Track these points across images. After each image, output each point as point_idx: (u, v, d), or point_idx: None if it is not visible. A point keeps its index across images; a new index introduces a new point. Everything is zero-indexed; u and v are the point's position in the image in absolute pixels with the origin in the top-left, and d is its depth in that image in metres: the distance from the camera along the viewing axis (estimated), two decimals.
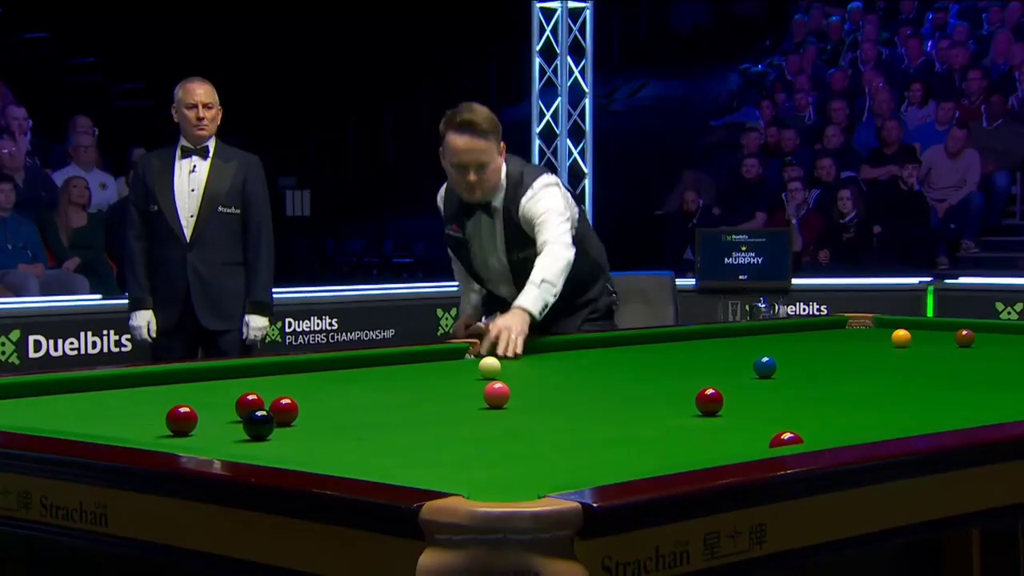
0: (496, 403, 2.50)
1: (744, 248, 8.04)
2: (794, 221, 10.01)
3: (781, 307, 7.69)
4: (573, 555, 1.43)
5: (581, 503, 1.45)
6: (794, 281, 8.15)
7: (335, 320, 7.48)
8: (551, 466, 1.94)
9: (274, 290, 5.05)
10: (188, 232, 4.81)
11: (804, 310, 8.14)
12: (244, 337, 4.86)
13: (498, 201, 3.71)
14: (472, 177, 3.62)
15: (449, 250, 3.94)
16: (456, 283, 4.09)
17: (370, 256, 14.29)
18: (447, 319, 7.85)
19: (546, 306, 3.38)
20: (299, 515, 1.58)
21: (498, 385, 2.53)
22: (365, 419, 2.48)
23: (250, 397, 2.33)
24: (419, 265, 13.50)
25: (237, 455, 1.87)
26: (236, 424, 2.23)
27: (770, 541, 1.63)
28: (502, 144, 3.68)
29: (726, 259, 8.04)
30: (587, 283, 3.89)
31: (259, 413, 2.15)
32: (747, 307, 7.34)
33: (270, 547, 1.60)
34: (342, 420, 2.47)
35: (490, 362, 3.02)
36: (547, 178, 3.72)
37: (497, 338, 3.29)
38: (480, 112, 3.61)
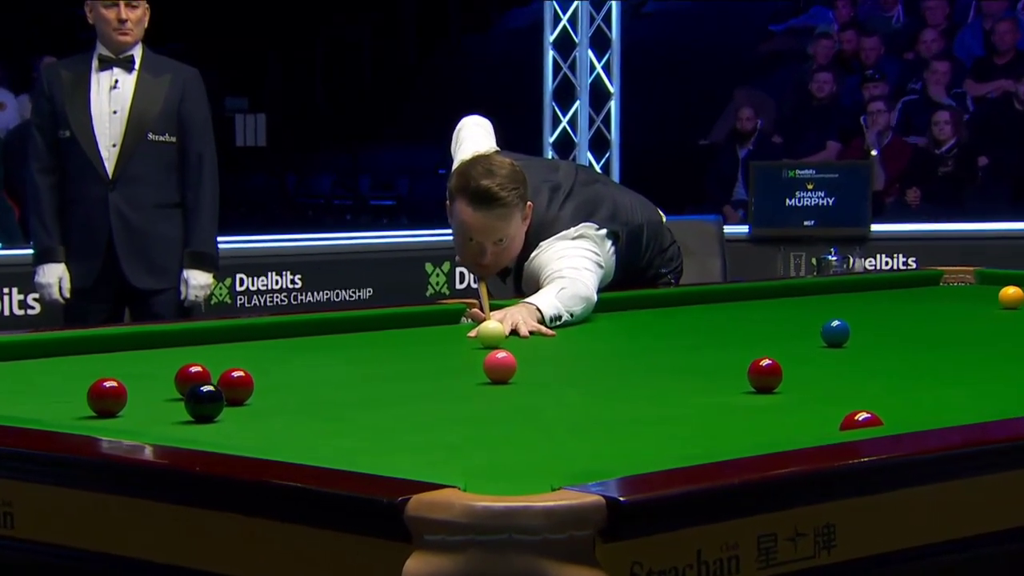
0: (499, 376, 2.52)
1: (811, 186, 8.02)
2: (875, 151, 9.99)
3: (857, 260, 7.69)
4: (594, 560, 1.44)
5: (605, 496, 1.47)
6: (874, 227, 8.14)
7: (298, 276, 7.50)
8: (567, 451, 1.96)
9: (220, 239, 5.06)
10: (110, 165, 4.82)
11: (887, 263, 8.14)
12: (182, 298, 4.88)
13: (513, 263, 3.68)
14: (488, 258, 3.55)
15: None
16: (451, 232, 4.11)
17: (341, 196, 14.29)
18: (438, 275, 7.87)
19: (559, 319, 3.35)
20: (255, 512, 1.60)
21: (501, 355, 2.55)
22: (336, 396, 2.51)
23: (193, 369, 2.35)
24: (403, 207, 13.51)
25: (177, 439, 1.90)
26: (176, 402, 2.26)
27: (840, 546, 1.65)
28: (528, 205, 3.57)
29: (788, 200, 8.03)
30: (641, 274, 3.98)
31: (205, 388, 2.17)
32: (814, 260, 7.35)
33: (218, 552, 1.62)
34: (308, 397, 2.49)
35: (492, 327, 3.04)
36: (575, 230, 3.65)
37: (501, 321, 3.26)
38: (500, 173, 3.48)
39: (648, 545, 1.49)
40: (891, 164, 10.06)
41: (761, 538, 1.58)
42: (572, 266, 3.53)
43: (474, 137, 3.98)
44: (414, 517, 1.46)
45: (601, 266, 3.64)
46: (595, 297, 3.53)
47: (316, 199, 14.38)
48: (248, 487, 1.64)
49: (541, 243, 3.62)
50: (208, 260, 4.93)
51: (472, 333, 3.15)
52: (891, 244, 8.21)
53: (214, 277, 5.00)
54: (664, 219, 4.10)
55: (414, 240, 8.19)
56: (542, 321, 3.29)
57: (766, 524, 1.59)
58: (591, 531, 1.45)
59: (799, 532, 1.61)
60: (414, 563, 1.44)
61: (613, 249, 3.75)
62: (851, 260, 7.50)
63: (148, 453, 1.83)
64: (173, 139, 4.87)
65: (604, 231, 3.71)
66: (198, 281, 4.89)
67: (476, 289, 3.57)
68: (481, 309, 3.41)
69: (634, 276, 3.94)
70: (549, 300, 3.38)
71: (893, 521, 1.72)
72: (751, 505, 1.59)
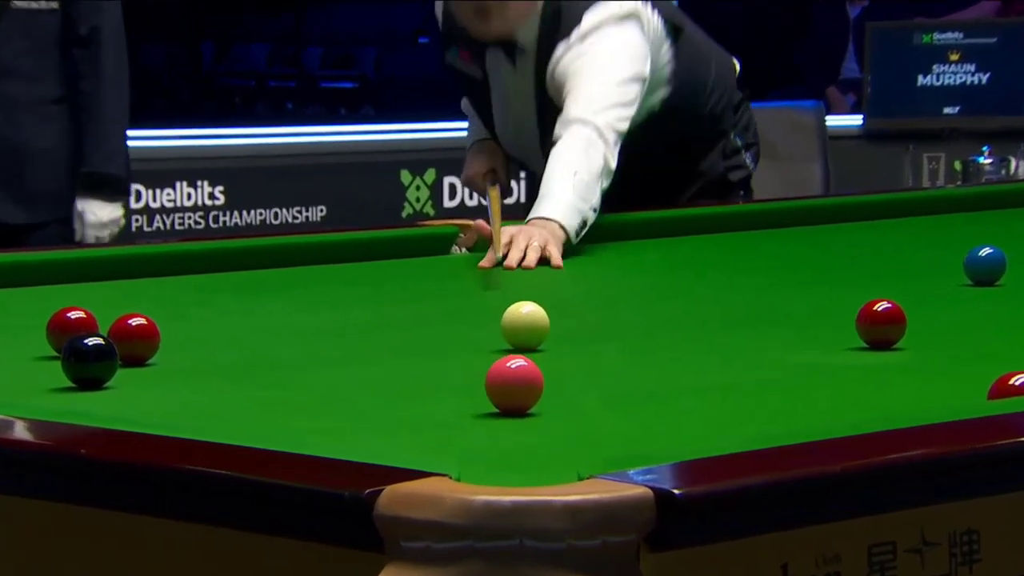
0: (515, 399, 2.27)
1: (955, 56, 7.99)
2: None
3: (1021, 162, 7.69)
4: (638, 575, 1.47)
5: (653, 488, 1.48)
6: None
7: (219, 188, 7.51)
8: (601, 428, 1.99)
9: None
10: None
11: None
12: (78, 238, 4.84)
13: (528, 38, 3.72)
14: (486, 12, 3.64)
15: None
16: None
17: (280, 75, 14.26)
18: (419, 188, 7.87)
19: (584, 224, 3.42)
20: (165, 512, 1.62)
21: (517, 363, 2.05)
22: (277, 353, 2.54)
23: (73, 315, 2.38)
24: (367, 92, 13.50)
25: (53, 412, 1.92)
26: (50, 360, 2.28)
27: (986, 559, 1.66)
28: None
29: (921, 78, 8.00)
30: (697, 153, 4.03)
31: (90, 342, 2.19)
32: (957, 164, 7.35)
33: (113, 566, 1.65)
34: (237, 355, 2.52)
35: (526, 315, 2.65)
36: (612, 7, 3.68)
37: (508, 247, 3.28)
38: None
39: (712, 556, 1.50)
40: None
41: (873, 548, 1.59)
42: (587, 104, 3.55)
43: None
44: (387, 516, 1.47)
45: (644, 80, 3.65)
46: (612, 154, 3.53)
47: (244, 79, 14.35)
48: (155, 476, 1.65)
49: (584, 15, 3.63)
50: (113, 184, 4.87)
51: (484, 263, 3.17)
52: None
53: (125, 207, 4.97)
54: (738, 70, 4.09)
55: (385, 138, 8.18)
56: (568, 242, 3.33)
57: (880, 529, 1.60)
58: (633, 536, 1.46)
59: (927, 541, 1.62)
60: None
61: (671, 53, 3.76)
62: (1012, 163, 7.50)
63: (14, 431, 1.84)
64: (55, 5, 4.84)
65: (662, 21, 3.72)
66: (99, 216, 4.83)
67: (485, 204, 3.59)
68: (488, 222, 3.43)
69: (691, 127, 3.94)
70: (567, 203, 3.42)
71: None
72: (858, 503, 1.60)
